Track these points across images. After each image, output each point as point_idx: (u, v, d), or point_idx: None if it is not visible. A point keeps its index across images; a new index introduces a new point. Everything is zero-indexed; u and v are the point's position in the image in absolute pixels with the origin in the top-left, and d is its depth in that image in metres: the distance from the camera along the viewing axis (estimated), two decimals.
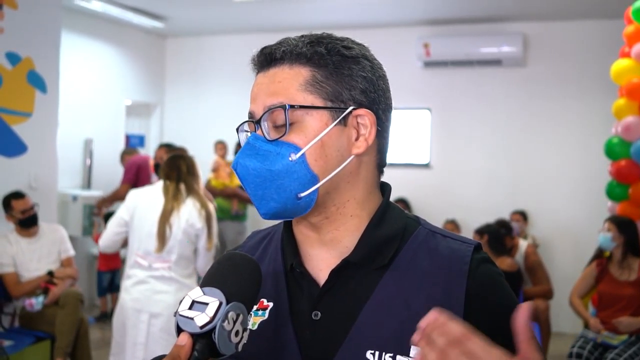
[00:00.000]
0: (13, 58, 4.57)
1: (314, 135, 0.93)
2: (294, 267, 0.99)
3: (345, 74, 0.95)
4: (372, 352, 0.91)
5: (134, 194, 3.52)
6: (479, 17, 6.45)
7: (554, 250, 6.39)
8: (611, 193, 4.60)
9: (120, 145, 7.16)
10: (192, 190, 3.47)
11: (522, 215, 6.14)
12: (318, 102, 0.94)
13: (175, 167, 3.46)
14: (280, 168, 0.92)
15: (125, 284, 3.42)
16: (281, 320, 0.97)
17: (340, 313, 0.95)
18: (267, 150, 0.93)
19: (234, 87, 7.64)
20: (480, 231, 4.79)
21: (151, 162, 6.11)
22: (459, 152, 6.81)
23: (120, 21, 6.89)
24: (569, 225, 6.37)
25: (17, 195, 4.32)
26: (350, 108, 0.95)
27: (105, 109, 6.98)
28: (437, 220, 6.36)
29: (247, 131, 1.01)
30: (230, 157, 6.93)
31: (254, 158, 0.94)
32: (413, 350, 0.89)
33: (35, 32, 4.72)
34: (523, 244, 5.09)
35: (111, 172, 6.45)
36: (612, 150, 4.56)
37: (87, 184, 6.68)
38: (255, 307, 1.00)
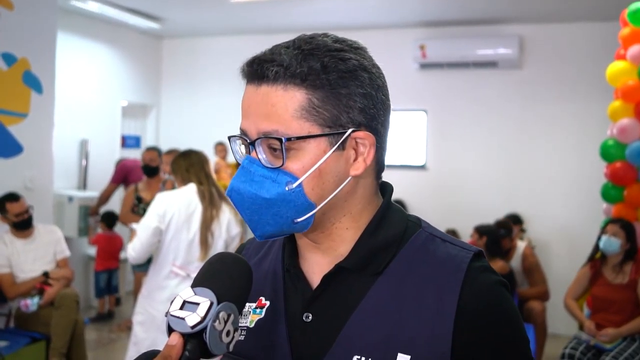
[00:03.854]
0: (9, 58, 4.57)
1: (311, 164, 0.89)
2: (289, 268, 1.00)
3: (342, 94, 0.89)
4: (359, 357, 0.89)
5: (164, 201, 3.30)
6: (474, 19, 6.46)
7: (550, 252, 6.40)
8: (606, 195, 4.61)
9: (117, 146, 7.15)
10: (222, 194, 3.41)
11: (515, 219, 6.06)
12: (315, 130, 0.88)
13: (203, 170, 3.40)
14: (276, 197, 0.89)
15: (160, 296, 3.31)
16: (276, 320, 0.98)
17: (330, 316, 0.94)
18: (263, 175, 0.90)
19: (230, 88, 7.63)
20: (480, 232, 4.78)
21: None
22: (455, 153, 6.82)
23: (116, 22, 6.88)
24: (565, 227, 6.38)
25: (12, 197, 4.29)
26: (350, 131, 0.90)
27: (101, 109, 6.97)
28: (432, 221, 6.35)
29: (239, 139, 0.96)
30: (232, 158, 6.90)
31: (249, 185, 0.91)
32: (400, 357, 0.88)
33: (31, 32, 4.71)
34: (521, 245, 5.09)
35: (107, 173, 6.44)
36: (607, 152, 4.57)
37: (83, 184, 6.67)
38: (254, 305, 1.01)
